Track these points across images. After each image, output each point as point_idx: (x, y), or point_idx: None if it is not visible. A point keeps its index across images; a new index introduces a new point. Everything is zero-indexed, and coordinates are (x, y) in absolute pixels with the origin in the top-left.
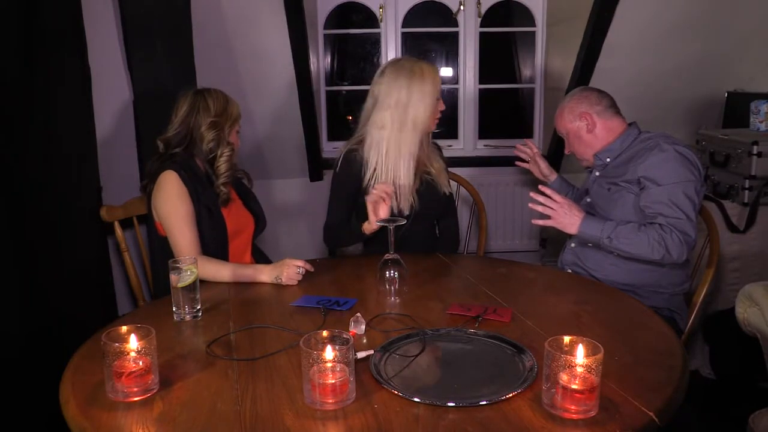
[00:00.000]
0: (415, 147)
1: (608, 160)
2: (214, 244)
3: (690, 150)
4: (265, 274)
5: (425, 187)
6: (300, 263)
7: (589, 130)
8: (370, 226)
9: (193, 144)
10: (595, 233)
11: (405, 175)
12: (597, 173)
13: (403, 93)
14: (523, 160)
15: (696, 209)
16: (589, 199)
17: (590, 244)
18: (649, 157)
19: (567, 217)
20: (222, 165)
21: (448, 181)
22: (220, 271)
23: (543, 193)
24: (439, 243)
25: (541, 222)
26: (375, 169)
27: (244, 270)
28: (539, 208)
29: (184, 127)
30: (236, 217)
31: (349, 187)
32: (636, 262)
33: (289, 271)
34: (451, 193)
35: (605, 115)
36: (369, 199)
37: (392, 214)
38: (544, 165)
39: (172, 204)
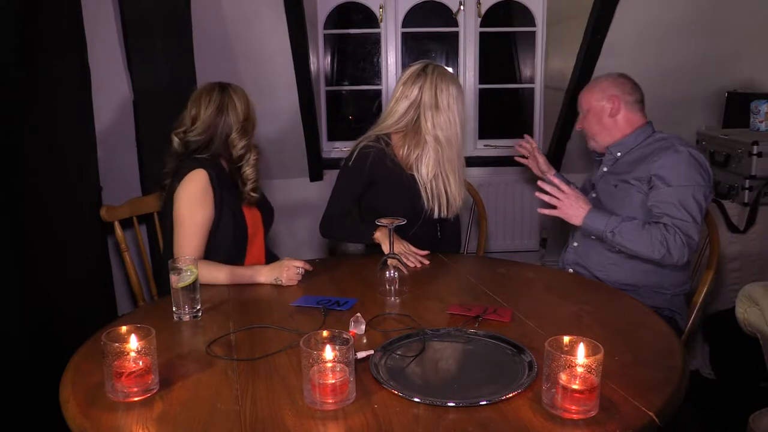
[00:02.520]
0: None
1: (619, 154)
2: (234, 247)
3: (702, 155)
4: (263, 275)
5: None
6: (299, 263)
7: (612, 115)
8: (383, 238)
9: (219, 148)
10: (599, 227)
11: (455, 184)
12: (605, 168)
13: (457, 103)
14: (523, 157)
15: (702, 214)
16: (594, 194)
17: (593, 237)
18: (663, 156)
19: (573, 209)
20: (249, 170)
21: (462, 193)
22: (215, 274)
23: (551, 183)
24: (441, 243)
25: (546, 211)
26: (429, 180)
27: (242, 271)
28: (545, 198)
29: (211, 129)
30: (253, 218)
31: (358, 183)
32: (639, 262)
33: (289, 272)
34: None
35: (631, 108)
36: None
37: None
38: (542, 161)
39: (191, 207)
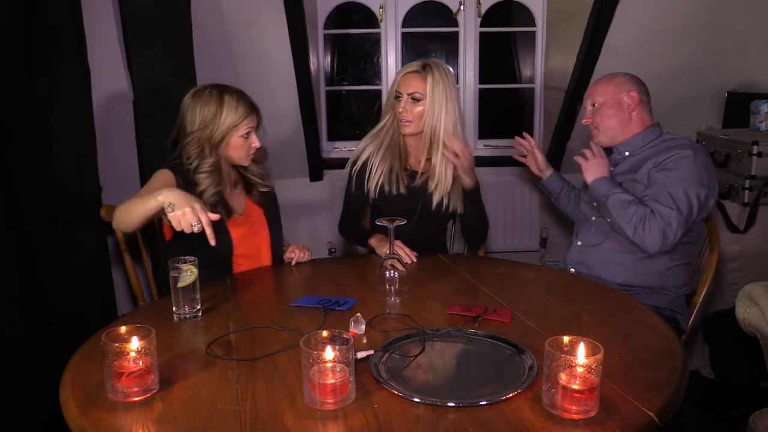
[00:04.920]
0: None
1: (627, 154)
2: (216, 257)
3: (710, 160)
4: (162, 195)
5: (423, 192)
6: (204, 218)
7: (628, 111)
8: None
9: (181, 151)
10: (601, 190)
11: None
12: (611, 168)
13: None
14: (522, 155)
15: (692, 211)
16: None
17: (594, 204)
18: (668, 152)
19: (595, 166)
20: (203, 180)
21: (458, 198)
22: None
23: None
24: (467, 238)
25: (576, 158)
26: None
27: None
28: (583, 152)
29: (175, 135)
30: (249, 235)
31: (358, 188)
32: (643, 262)
33: (186, 217)
34: (454, 210)
35: (644, 108)
36: None
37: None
38: (541, 159)
39: (151, 181)
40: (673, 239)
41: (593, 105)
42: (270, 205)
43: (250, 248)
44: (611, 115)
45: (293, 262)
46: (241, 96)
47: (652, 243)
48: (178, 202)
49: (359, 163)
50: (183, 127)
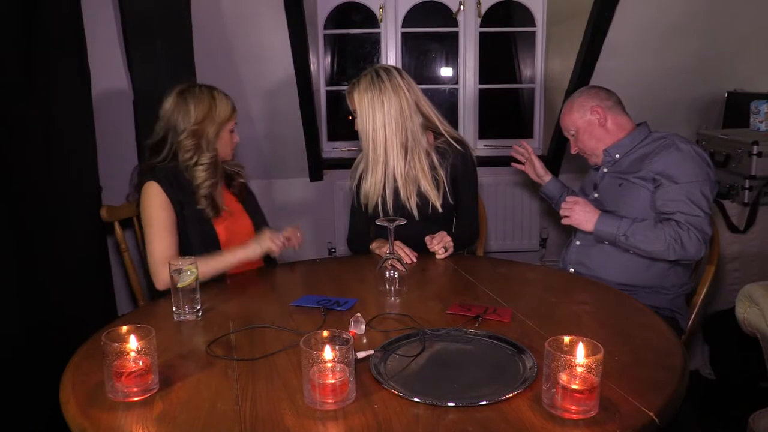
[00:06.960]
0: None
1: (617, 156)
2: (205, 254)
3: (703, 151)
4: (250, 249)
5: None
6: (277, 240)
7: (601, 124)
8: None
9: (176, 153)
10: (611, 230)
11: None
12: (605, 169)
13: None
14: (520, 162)
15: (711, 206)
16: (596, 195)
17: (606, 242)
18: (666, 155)
19: (583, 215)
20: (200, 174)
21: (444, 193)
22: (213, 265)
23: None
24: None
25: (563, 221)
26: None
27: (234, 256)
28: (562, 212)
29: (164, 133)
30: (233, 231)
31: (359, 201)
32: (642, 262)
33: (268, 244)
34: (453, 203)
35: (615, 111)
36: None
37: (391, 214)
38: (539, 165)
39: (152, 212)
40: (709, 238)
41: (572, 135)
42: (248, 197)
43: (236, 241)
44: (589, 138)
45: (297, 247)
46: (224, 93)
47: (696, 251)
48: (262, 245)
49: (357, 176)
50: (174, 125)
